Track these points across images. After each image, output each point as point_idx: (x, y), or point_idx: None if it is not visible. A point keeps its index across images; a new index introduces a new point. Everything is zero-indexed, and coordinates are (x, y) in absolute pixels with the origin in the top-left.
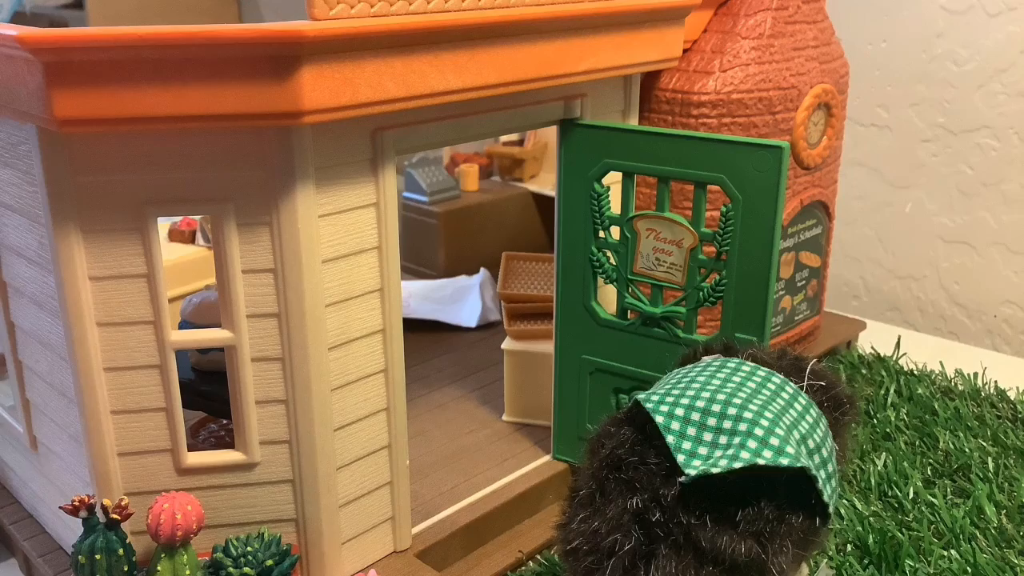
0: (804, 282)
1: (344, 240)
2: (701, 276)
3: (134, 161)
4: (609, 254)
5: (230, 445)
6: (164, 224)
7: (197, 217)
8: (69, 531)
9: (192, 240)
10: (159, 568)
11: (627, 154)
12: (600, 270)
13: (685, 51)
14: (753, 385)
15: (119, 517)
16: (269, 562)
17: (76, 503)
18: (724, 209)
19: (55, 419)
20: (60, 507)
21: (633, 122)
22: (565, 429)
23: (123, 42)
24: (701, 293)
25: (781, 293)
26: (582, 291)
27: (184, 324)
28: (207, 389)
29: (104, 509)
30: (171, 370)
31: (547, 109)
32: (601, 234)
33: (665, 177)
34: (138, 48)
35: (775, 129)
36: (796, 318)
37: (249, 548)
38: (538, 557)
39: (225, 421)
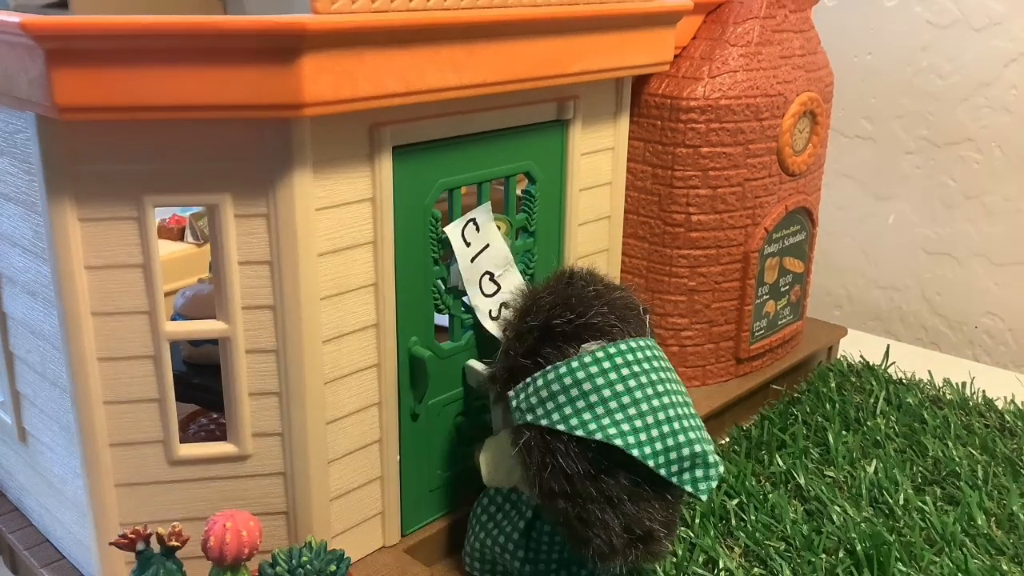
0: (788, 287)
1: (340, 234)
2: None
3: (133, 150)
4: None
5: (221, 439)
6: None
7: (186, 214)
8: (56, 523)
9: (180, 237)
10: None
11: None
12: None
13: (675, 57)
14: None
15: (178, 544)
16: (333, 567)
17: (131, 536)
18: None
19: (46, 410)
20: (110, 543)
21: (624, 125)
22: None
23: (126, 31)
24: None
25: (765, 298)
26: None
27: (176, 318)
28: (199, 382)
29: (160, 538)
30: (165, 361)
31: (541, 110)
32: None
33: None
34: (141, 37)
35: (761, 135)
36: (779, 322)
37: (304, 558)
38: None
39: (216, 415)
